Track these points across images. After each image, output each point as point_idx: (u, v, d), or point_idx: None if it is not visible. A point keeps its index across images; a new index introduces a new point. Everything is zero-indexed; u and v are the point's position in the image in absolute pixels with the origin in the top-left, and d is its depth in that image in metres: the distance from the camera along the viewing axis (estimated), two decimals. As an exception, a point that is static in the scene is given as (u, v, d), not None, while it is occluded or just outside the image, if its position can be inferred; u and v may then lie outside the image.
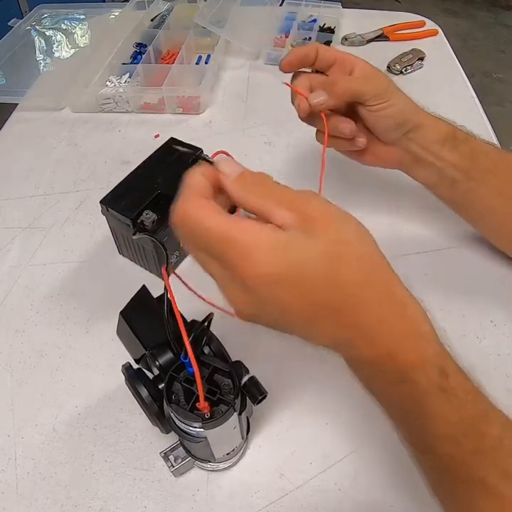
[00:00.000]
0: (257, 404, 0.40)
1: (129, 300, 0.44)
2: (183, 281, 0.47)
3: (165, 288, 0.38)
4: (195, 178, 0.31)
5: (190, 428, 0.38)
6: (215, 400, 0.38)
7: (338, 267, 0.29)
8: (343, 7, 1.05)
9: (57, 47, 0.99)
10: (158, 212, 0.54)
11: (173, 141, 0.62)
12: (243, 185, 0.31)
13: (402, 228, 0.64)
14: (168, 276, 0.38)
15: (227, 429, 0.39)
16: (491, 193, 0.52)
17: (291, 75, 0.54)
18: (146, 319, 0.43)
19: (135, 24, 0.98)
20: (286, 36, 0.95)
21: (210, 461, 0.44)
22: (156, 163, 0.59)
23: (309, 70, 0.54)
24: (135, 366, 0.42)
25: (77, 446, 0.48)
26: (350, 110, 0.53)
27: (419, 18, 1.04)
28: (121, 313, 0.43)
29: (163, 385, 0.39)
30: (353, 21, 1.03)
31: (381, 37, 0.99)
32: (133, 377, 0.41)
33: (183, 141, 0.62)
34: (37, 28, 1.03)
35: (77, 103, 0.85)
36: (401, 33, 1.00)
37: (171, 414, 0.39)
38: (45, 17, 1.05)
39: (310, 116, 0.52)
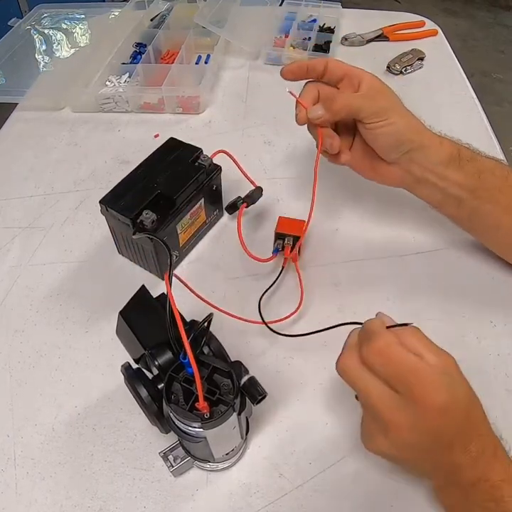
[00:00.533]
0: (257, 404, 0.40)
1: (128, 300, 0.44)
2: (184, 283, 0.47)
3: (171, 279, 0.38)
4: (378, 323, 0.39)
5: (190, 428, 0.38)
6: (215, 400, 0.38)
7: (473, 407, 0.38)
8: (343, 7, 1.05)
9: (57, 47, 0.99)
10: (158, 212, 0.54)
11: (172, 141, 0.62)
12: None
13: (402, 228, 0.64)
14: (170, 276, 0.38)
15: (227, 429, 0.39)
16: (498, 210, 0.52)
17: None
18: (145, 319, 0.43)
19: (135, 24, 0.98)
20: (286, 36, 0.95)
21: (209, 461, 0.44)
22: (155, 163, 0.59)
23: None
24: (134, 366, 0.42)
25: (77, 446, 0.48)
26: (353, 125, 0.53)
27: (419, 18, 1.04)
28: (120, 313, 0.43)
29: (162, 385, 0.39)
30: (352, 21, 1.03)
31: (381, 37, 0.99)
32: (132, 377, 0.41)
33: (183, 141, 0.62)
34: (37, 27, 1.02)
35: (76, 103, 0.85)
36: (401, 33, 1.00)
37: (171, 414, 0.39)
38: (45, 17, 1.05)
39: (310, 127, 0.54)
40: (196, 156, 0.60)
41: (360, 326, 0.41)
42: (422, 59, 0.92)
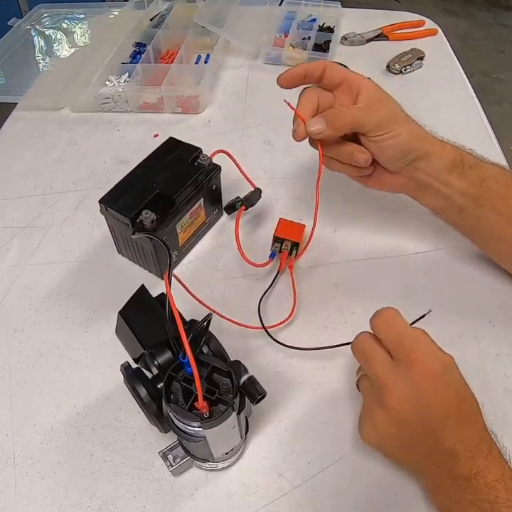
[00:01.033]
0: (256, 403, 0.40)
1: (127, 299, 0.44)
2: (183, 285, 0.47)
3: (171, 278, 0.38)
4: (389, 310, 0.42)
5: (189, 427, 0.38)
6: (214, 400, 0.38)
7: (471, 398, 0.39)
8: (343, 6, 1.05)
9: (56, 46, 0.99)
10: (157, 211, 0.54)
11: (172, 140, 0.62)
12: None
13: (402, 228, 0.64)
14: (169, 276, 0.38)
15: (226, 428, 0.39)
16: (501, 219, 0.51)
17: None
18: (144, 319, 0.43)
19: (134, 24, 0.98)
20: (286, 36, 0.95)
21: (208, 461, 0.44)
22: (155, 163, 0.59)
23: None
24: (134, 366, 0.42)
25: (76, 446, 0.47)
26: (354, 136, 0.51)
27: (419, 17, 1.04)
28: (120, 312, 0.43)
29: (161, 384, 0.39)
30: (352, 21, 1.03)
31: (380, 36, 0.99)
32: (132, 376, 0.41)
33: (182, 140, 0.62)
34: (37, 27, 1.02)
35: (76, 103, 0.85)
36: (400, 32, 1.00)
37: (170, 413, 0.39)
38: (45, 17, 1.05)
39: (312, 141, 0.52)
40: (196, 156, 0.60)
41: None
42: (421, 58, 0.92)
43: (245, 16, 0.99)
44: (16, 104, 0.87)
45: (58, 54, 0.97)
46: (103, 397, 0.51)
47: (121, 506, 0.44)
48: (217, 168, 0.61)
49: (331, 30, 1.00)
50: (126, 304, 0.44)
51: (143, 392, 0.40)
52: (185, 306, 0.42)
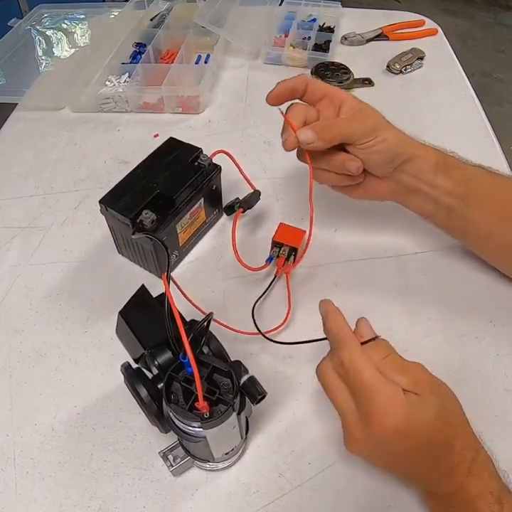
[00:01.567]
0: (256, 404, 0.40)
1: (128, 300, 0.44)
2: (179, 289, 0.47)
3: (169, 279, 0.38)
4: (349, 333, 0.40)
5: (189, 428, 0.38)
6: (214, 400, 0.38)
7: (445, 427, 0.37)
8: (343, 6, 1.05)
9: (57, 47, 0.99)
10: (157, 211, 0.54)
11: (172, 140, 0.62)
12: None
13: (402, 228, 0.64)
14: (168, 276, 0.38)
15: (226, 428, 0.39)
16: (488, 218, 0.52)
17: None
18: (145, 319, 0.43)
19: (134, 24, 0.98)
20: (286, 36, 0.95)
21: (209, 461, 0.44)
22: (155, 163, 0.59)
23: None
24: (134, 366, 0.42)
25: (76, 446, 0.48)
26: (341, 146, 0.51)
27: (419, 17, 1.04)
28: (120, 312, 0.43)
29: (162, 384, 0.39)
30: (352, 21, 1.03)
31: (381, 36, 0.99)
32: (132, 376, 0.41)
33: (183, 140, 0.62)
34: (37, 27, 1.02)
35: (76, 103, 0.85)
36: (400, 32, 1.00)
37: (170, 413, 0.39)
38: (45, 17, 1.05)
39: (300, 154, 0.53)
40: (196, 156, 0.60)
41: None
42: (421, 58, 0.92)
43: (245, 16, 0.99)
44: (16, 104, 0.87)
45: (58, 54, 0.98)
46: (103, 397, 0.51)
47: (122, 506, 0.44)
48: (217, 168, 0.61)
49: (331, 30, 1.00)
50: (127, 304, 0.44)
51: (143, 392, 0.40)
52: (185, 307, 0.42)
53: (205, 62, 0.93)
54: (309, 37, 0.94)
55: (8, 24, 1.00)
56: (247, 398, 0.40)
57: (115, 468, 0.46)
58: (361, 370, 0.37)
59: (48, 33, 1.02)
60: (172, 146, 0.62)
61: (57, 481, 0.46)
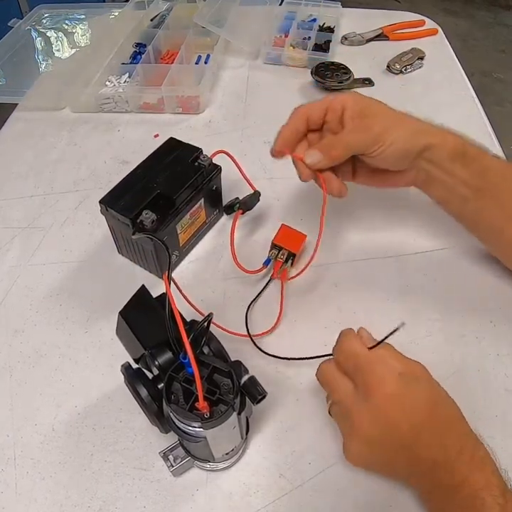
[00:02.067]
0: (257, 404, 0.40)
1: (128, 300, 0.44)
2: (179, 289, 0.47)
3: (170, 279, 0.38)
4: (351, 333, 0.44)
5: (190, 428, 0.38)
6: (215, 400, 0.38)
7: (442, 406, 0.39)
8: (343, 6, 1.05)
9: (57, 47, 0.99)
10: (158, 211, 0.54)
11: (172, 140, 0.62)
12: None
13: (401, 228, 0.64)
14: (169, 276, 0.38)
15: (227, 429, 0.39)
16: (503, 213, 0.51)
17: None
18: (145, 319, 0.43)
19: (135, 24, 0.98)
20: (286, 36, 0.95)
21: (209, 461, 0.44)
22: (155, 163, 0.59)
23: None
24: (134, 366, 0.42)
25: (77, 446, 0.48)
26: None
27: (419, 17, 1.04)
28: (120, 313, 0.43)
29: (162, 384, 0.39)
30: (352, 21, 1.03)
31: (381, 36, 0.99)
32: (132, 377, 0.41)
33: (183, 141, 0.62)
34: (37, 28, 1.03)
35: (76, 103, 0.85)
36: (401, 32, 1.00)
37: (171, 414, 0.39)
38: (45, 17, 1.05)
39: (312, 175, 0.53)
40: (196, 156, 0.60)
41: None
42: (421, 58, 0.92)
43: (245, 16, 0.99)
44: (17, 104, 0.87)
45: (58, 54, 0.98)
46: (104, 397, 0.51)
47: (122, 506, 0.44)
48: (217, 168, 0.61)
49: (331, 30, 1.00)
50: (127, 304, 0.44)
51: (143, 392, 0.40)
52: (185, 307, 0.42)
53: (205, 63, 0.93)
54: (309, 37, 0.94)
55: (8, 24, 1.00)
56: (247, 398, 0.40)
57: (115, 468, 0.46)
58: (361, 352, 0.40)
59: (48, 33, 1.02)
60: (172, 146, 0.62)
61: (58, 481, 0.46)
